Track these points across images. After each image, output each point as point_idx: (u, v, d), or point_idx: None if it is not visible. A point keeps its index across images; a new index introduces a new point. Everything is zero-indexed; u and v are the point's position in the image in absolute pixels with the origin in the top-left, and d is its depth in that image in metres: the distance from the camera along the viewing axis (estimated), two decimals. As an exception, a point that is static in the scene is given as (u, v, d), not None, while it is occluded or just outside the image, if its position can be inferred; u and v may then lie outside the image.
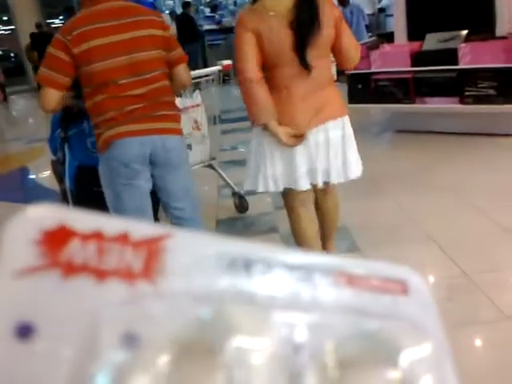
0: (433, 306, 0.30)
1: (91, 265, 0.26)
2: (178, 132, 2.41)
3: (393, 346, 0.27)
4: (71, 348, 0.25)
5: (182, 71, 2.44)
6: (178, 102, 3.25)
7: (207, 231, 0.30)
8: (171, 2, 14.99)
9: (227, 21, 12.59)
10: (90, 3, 2.24)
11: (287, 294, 0.28)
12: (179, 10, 12.27)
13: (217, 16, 13.38)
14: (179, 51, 2.41)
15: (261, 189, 2.51)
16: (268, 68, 2.36)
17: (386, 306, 0.28)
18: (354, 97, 5.65)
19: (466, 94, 4.91)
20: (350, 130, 2.49)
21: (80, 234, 0.27)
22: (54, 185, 3.17)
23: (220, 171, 4.03)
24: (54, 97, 2.22)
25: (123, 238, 0.27)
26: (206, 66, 7.18)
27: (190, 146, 3.64)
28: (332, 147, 2.42)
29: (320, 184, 2.48)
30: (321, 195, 2.66)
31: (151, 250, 0.27)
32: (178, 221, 2.47)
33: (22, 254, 0.26)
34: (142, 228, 0.28)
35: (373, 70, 5.45)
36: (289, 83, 2.36)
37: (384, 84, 5.40)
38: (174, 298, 0.26)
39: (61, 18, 16.35)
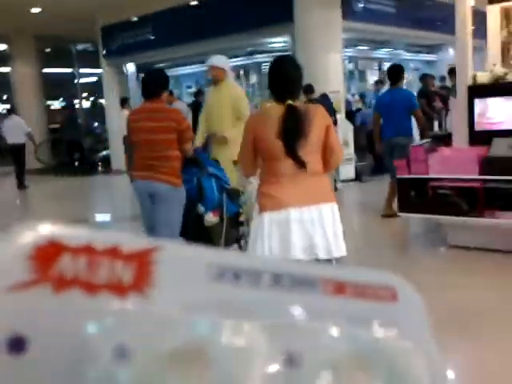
0: (422, 312, 0.30)
1: (82, 279, 0.26)
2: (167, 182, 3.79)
3: (383, 353, 0.27)
4: (63, 361, 0.25)
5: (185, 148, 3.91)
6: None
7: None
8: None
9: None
10: (145, 102, 3.97)
11: (277, 304, 0.28)
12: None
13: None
14: (186, 136, 3.85)
15: None
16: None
17: (376, 313, 0.28)
18: (406, 205, 4.85)
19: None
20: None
21: (71, 248, 0.27)
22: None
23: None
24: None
25: (113, 252, 0.27)
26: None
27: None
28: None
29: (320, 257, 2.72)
30: None
31: (141, 263, 0.27)
32: None
33: (14, 269, 0.26)
34: (133, 241, 0.28)
35: (431, 175, 4.69)
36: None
37: (445, 193, 4.62)
38: (165, 310, 0.26)
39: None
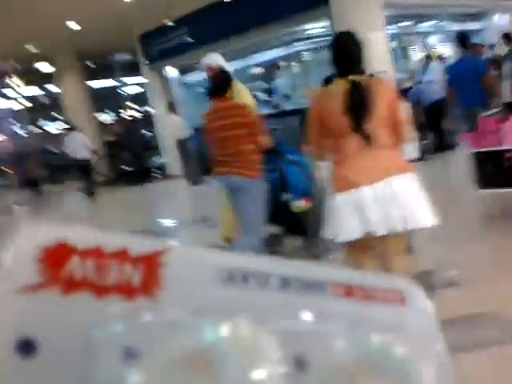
0: (432, 315, 0.29)
1: (91, 281, 0.26)
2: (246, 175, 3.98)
3: (391, 356, 0.27)
4: (72, 363, 0.25)
5: (259, 141, 4.02)
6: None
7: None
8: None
9: (283, 105, 12.01)
10: (212, 102, 4.18)
11: (285, 306, 0.28)
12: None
13: (273, 100, 12.85)
14: (256, 129, 3.98)
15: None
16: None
17: (385, 316, 0.28)
18: (484, 180, 4.63)
19: None
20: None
21: (80, 250, 0.27)
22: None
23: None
24: None
25: (122, 254, 0.27)
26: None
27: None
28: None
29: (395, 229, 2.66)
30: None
31: (150, 265, 0.27)
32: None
33: (24, 271, 0.26)
34: (141, 243, 0.28)
35: (505, 146, 4.46)
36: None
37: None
38: (173, 312, 0.26)
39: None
